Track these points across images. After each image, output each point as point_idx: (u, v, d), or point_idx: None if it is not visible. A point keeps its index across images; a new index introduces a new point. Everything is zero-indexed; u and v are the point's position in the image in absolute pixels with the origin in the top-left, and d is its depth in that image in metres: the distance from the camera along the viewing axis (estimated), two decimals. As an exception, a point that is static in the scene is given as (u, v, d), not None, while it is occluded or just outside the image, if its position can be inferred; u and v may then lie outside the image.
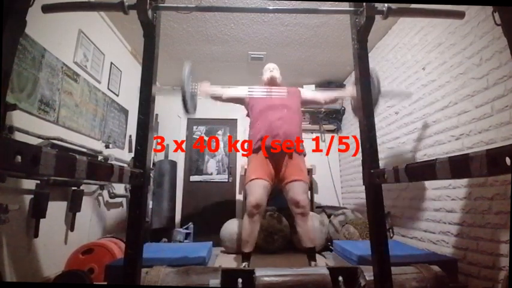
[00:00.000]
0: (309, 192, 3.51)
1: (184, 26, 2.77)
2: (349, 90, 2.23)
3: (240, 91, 2.30)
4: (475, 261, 1.66)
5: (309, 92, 2.43)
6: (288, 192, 2.06)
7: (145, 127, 1.18)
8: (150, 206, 3.38)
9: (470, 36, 1.78)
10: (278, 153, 2.06)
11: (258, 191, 2.01)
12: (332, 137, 4.18)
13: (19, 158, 0.54)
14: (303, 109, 2.39)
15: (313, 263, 2.03)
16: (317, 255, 2.68)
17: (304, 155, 2.20)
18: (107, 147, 2.64)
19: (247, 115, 2.36)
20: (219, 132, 4.20)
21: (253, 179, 2.04)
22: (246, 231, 2.03)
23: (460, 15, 1.47)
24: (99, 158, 2.42)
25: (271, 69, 2.34)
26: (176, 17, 2.63)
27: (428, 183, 2.14)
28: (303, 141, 2.18)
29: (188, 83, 1.80)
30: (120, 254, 2.03)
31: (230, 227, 3.07)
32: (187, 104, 1.80)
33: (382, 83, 2.90)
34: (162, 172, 3.57)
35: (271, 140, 2.05)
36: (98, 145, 2.51)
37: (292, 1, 2.34)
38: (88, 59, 2.36)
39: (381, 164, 1.20)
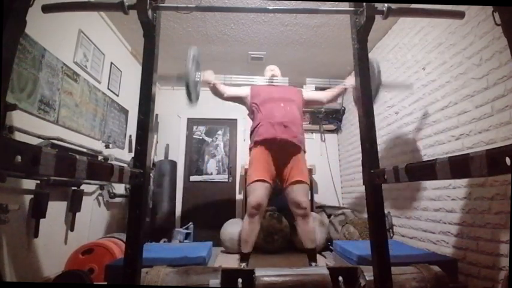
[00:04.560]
0: (309, 192, 3.52)
1: (184, 26, 2.77)
2: (349, 81, 2.16)
3: (242, 90, 2.30)
4: (475, 261, 1.66)
5: (310, 93, 2.43)
6: (290, 194, 2.05)
7: (145, 127, 1.18)
8: (150, 206, 3.38)
9: (470, 36, 1.78)
10: (280, 149, 2.04)
11: (259, 192, 2.00)
12: (332, 137, 4.19)
13: (19, 158, 0.54)
14: (303, 109, 2.35)
15: (313, 263, 2.03)
16: (317, 255, 2.69)
17: (305, 152, 2.18)
18: (107, 147, 2.64)
19: (249, 114, 2.35)
20: (219, 132, 4.20)
21: (254, 181, 2.01)
22: (246, 231, 2.02)
23: (460, 15, 1.47)
24: (99, 158, 2.42)
25: (272, 69, 2.37)
26: (176, 17, 2.63)
27: (428, 183, 2.14)
28: (304, 137, 2.16)
29: (192, 70, 1.77)
30: (120, 254, 2.03)
31: (230, 227, 3.07)
32: (191, 94, 1.78)
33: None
34: (162, 172, 3.58)
35: (274, 133, 2.03)
36: (98, 145, 2.51)
37: (292, 1, 2.34)
38: (88, 59, 2.36)
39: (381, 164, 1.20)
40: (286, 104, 2.15)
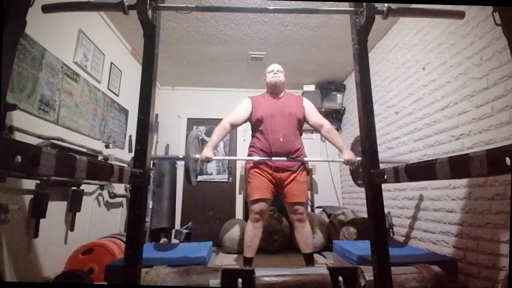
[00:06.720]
0: (309, 192, 3.53)
1: (184, 26, 2.77)
2: (348, 154, 1.99)
3: (243, 109, 2.16)
4: (475, 261, 1.66)
5: (313, 114, 2.17)
6: (288, 209, 2.09)
7: (145, 127, 1.17)
8: (150, 206, 3.38)
9: (470, 36, 1.78)
10: (280, 171, 2.02)
11: (261, 203, 2.02)
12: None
13: (19, 158, 0.54)
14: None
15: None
16: (317, 255, 2.69)
17: (308, 172, 2.15)
18: (107, 147, 2.64)
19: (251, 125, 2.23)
20: (219, 132, 4.19)
21: (255, 199, 2.01)
22: (249, 237, 2.03)
23: (460, 15, 1.46)
24: (99, 158, 2.42)
25: (275, 72, 2.16)
26: (176, 17, 2.63)
27: (428, 183, 2.14)
28: (304, 152, 2.12)
29: (191, 154, 1.88)
30: (120, 254, 2.03)
31: (230, 227, 3.07)
32: (190, 177, 1.87)
33: (382, 82, 2.91)
34: (162, 172, 3.57)
35: (274, 155, 2.00)
36: (98, 145, 2.51)
37: (292, 1, 2.34)
38: (88, 59, 2.36)
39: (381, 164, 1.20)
40: (288, 118, 2.07)
